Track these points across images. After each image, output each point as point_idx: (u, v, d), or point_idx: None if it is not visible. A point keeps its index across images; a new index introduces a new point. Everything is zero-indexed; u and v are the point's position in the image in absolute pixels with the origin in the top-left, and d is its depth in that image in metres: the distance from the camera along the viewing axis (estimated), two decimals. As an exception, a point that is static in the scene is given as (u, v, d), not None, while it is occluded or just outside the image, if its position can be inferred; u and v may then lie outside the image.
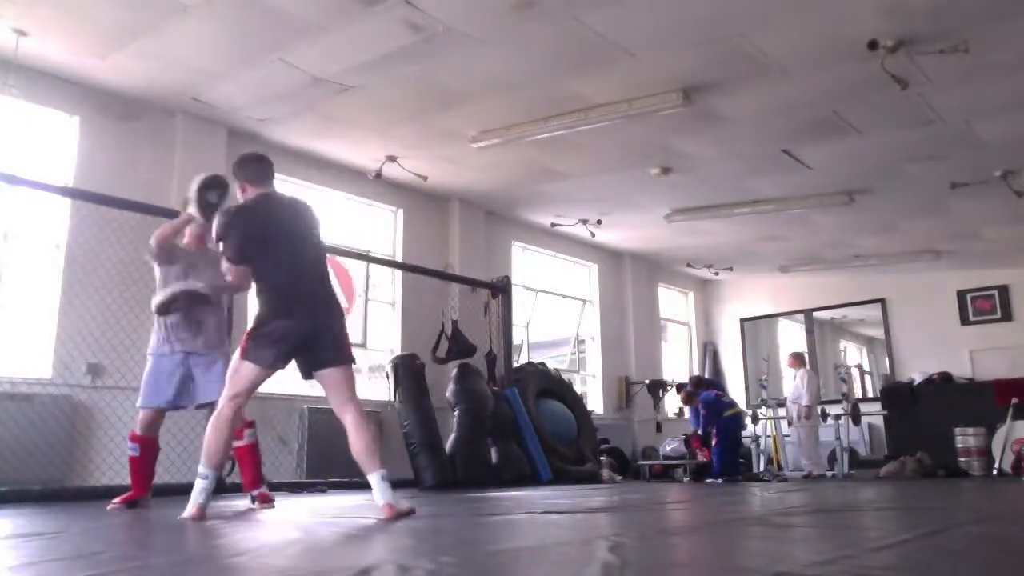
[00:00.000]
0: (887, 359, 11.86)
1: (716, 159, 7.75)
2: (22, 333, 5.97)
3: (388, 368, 7.52)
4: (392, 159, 7.71)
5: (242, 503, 4.58)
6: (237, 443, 4.27)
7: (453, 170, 8.10)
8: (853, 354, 13.60)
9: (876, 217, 9.28)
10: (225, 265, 3.81)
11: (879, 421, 10.99)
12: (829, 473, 9.51)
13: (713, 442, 9.00)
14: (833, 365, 12.52)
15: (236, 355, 3.66)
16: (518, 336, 9.62)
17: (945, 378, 10.65)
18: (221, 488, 5.71)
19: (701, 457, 9.17)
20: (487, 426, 7.58)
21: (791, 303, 12.78)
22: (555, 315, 10.97)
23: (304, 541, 2.76)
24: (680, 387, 11.51)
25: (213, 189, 4.28)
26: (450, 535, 2.94)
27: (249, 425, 4.43)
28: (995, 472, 8.74)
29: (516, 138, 6.96)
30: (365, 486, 3.65)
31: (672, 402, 12.02)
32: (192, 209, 4.28)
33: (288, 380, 4.66)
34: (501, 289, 8.88)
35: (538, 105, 6.56)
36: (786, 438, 10.73)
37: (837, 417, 9.46)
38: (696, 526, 3.24)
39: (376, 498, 3.49)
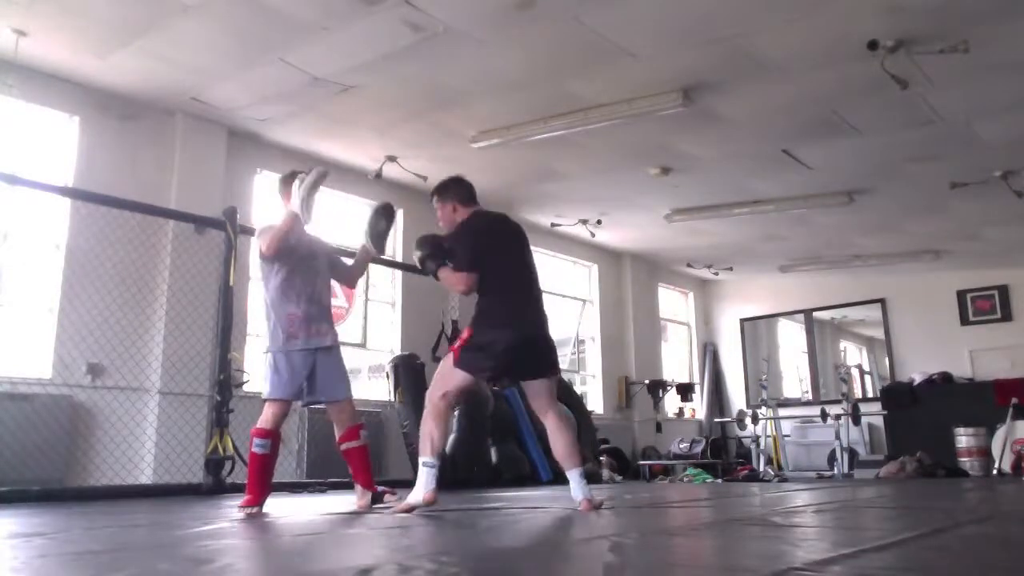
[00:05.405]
0: (887, 359, 11.85)
1: (716, 159, 7.75)
2: (22, 333, 5.97)
3: (388, 368, 7.52)
4: (392, 159, 7.71)
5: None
6: (351, 444, 4.18)
7: (453, 170, 8.00)
8: (853, 354, 13.60)
9: (876, 217, 9.28)
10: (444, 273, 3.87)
11: (879, 421, 11.00)
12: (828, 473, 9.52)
13: None
14: (833, 365, 12.52)
15: (448, 360, 3.78)
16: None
17: (945, 378, 10.65)
18: (221, 489, 5.73)
19: None
20: (487, 426, 7.57)
21: (791, 303, 12.78)
22: (555, 315, 10.92)
23: (304, 541, 2.76)
24: (679, 387, 11.53)
25: (383, 218, 4.37)
26: (450, 535, 2.94)
27: (361, 427, 4.23)
28: (995, 472, 8.74)
29: (516, 138, 6.95)
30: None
31: (672, 402, 12.03)
32: (295, 203, 3.98)
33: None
34: (501, 289, 8.87)
35: (538, 105, 6.56)
36: (786, 438, 10.75)
37: (837, 417, 9.46)
38: (696, 526, 3.24)
39: (574, 493, 3.75)
